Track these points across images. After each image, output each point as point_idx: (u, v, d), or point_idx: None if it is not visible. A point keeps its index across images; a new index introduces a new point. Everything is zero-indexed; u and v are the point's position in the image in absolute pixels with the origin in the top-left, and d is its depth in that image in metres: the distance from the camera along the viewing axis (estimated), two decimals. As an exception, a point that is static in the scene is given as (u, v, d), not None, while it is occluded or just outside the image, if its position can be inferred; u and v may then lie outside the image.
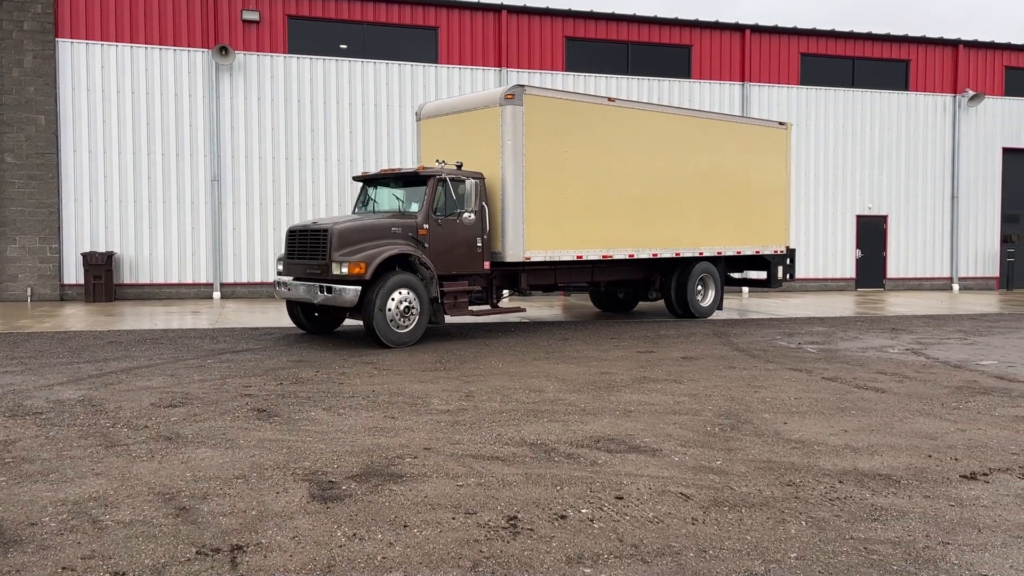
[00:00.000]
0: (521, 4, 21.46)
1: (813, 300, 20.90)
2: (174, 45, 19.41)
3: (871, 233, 24.86)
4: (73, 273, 18.91)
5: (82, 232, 18.96)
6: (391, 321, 11.31)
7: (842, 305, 19.52)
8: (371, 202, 13.05)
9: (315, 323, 12.97)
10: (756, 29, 23.48)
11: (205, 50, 19.54)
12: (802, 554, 3.97)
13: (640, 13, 22.55)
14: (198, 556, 3.88)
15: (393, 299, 11.28)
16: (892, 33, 24.68)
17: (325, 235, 11.36)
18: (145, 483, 4.98)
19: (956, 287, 25.62)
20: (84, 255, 18.43)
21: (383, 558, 3.88)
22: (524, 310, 14.44)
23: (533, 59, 21.70)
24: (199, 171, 19.64)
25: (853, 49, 24.55)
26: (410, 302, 11.45)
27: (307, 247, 11.76)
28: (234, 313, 16.19)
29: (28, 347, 11.16)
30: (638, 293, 16.53)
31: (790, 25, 23.96)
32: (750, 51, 23.40)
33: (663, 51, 22.96)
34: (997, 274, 26.19)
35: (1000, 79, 25.84)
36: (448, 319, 12.76)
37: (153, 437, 6.12)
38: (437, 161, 12.61)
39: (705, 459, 5.62)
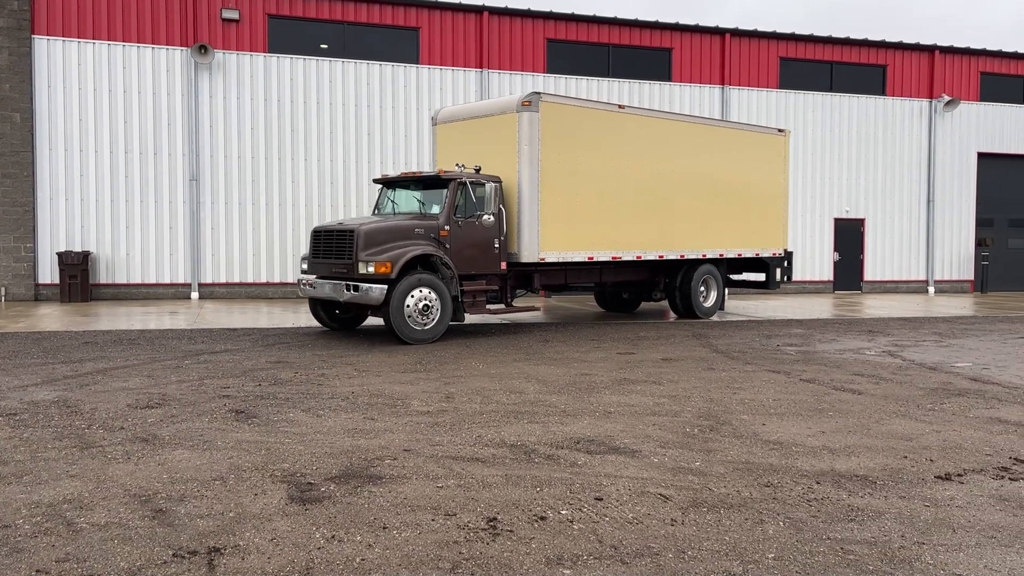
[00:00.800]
0: (503, 6, 21.48)
1: (791, 302, 21.06)
2: (152, 43, 19.25)
3: (849, 236, 25.11)
4: (48, 273, 18.69)
5: (57, 231, 18.74)
6: (410, 318, 11.72)
7: (820, 307, 19.69)
8: (390, 204, 13.52)
9: (337, 320, 13.42)
10: (736, 33, 23.64)
11: (184, 48, 19.38)
12: (780, 554, 3.99)
13: (621, 16, 22.65)
14: (175, 559, 3.84)
15: (411, 298, 11.69)
16: (870, 38, 24.95)
17: (351, 235, 11.80)
18: (121, 485, 4.92)
19: (932, 290, 25.92)
20: (59, 254, 18.22)
21: (362, 560, 3.87)
22: (538, 309, 15.19)
23: (515, 61, 21.72)
24: (177, 170, 19.48)
25: (831, 54, 24.79)
26: (429, 300, 11.86)
27: (332, 247, 12.22)
28: (212, 314, 16.07)
29: (1, 348, 11.00)
30: (642, 294, 17.02)
31: (769, 29, 24.16)
32: (730, 55, 23.56)
33: (644, 54, 23.06)
34: (972, 277, 26.53)
35: (975, 85, 26.19)
36: (468, 317, 13.21)
37: (129, 438, 6.06)
38: (457, 165, 13.07)
39: (684, 460, 5.64)
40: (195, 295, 19.53)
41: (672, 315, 17.29)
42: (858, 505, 4.73)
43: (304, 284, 12.64)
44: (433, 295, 11.87)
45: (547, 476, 5.21)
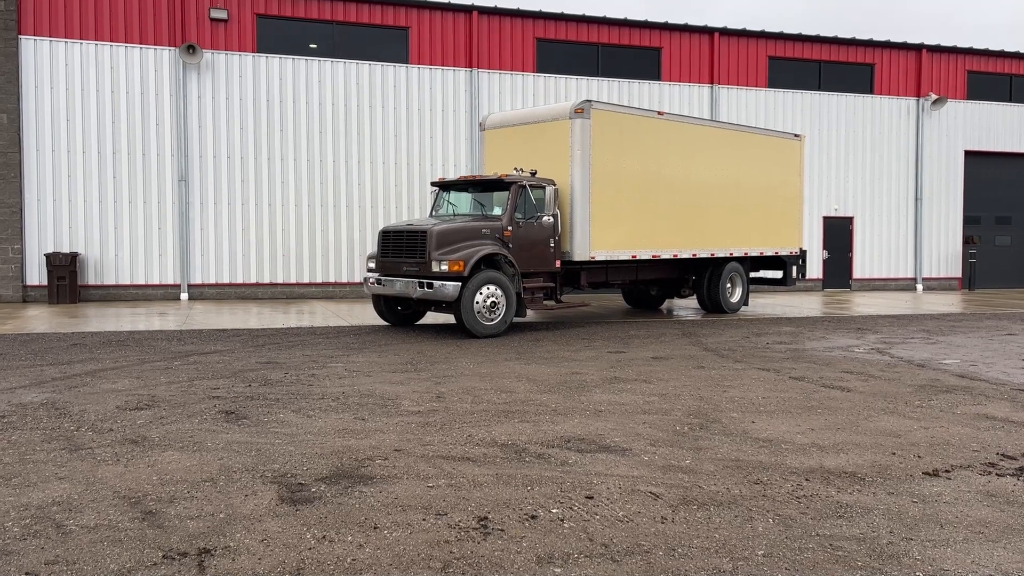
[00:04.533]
0: (492, 5, 21.47)
1: (781, 300, 21.13)
2: (140, 43, 19.16)
3: (838, 234, 25.22)
4: (36, 274, 18.58)
5: (45, 232, 18.64)
6: (479, 314, 12.36)
7: (809, 305, 19.77)
8: (447, 205, 14.13)
9: (398, 316, 14.09)
10: (725, 32, 23.70)
11: (172, 48, 19.30)
12: (769, 551, 4.01)
13: (610, 15, 22.66)
14: (165, 560, 3.83)
15: (480, 295, 12.33)
16: (857, 37, 25.05)
17: (424, 236, 12.39)
18: (110, 487, 4.90)
19: (920, 288, 26.06)
20: (47, 256, 18.12)
21: (353, 560, 3.86)
22: (588, 305, 16.21)
23: (504, 60, 21.72)
24: (166, 171, 19.40)
25: (819, 52, 24.88)
26: (496, 298, 12.53)
27: (403, 247, 12.80)
28: (202, 314, 16.01)
29: (-11, 349, 10.94)
30: (670, 291, 17.62)
31: (758, 28, 24.23)
32: (719, 54, 23.62)
33: (633, 53, 23.09)
34: (959, 275, 26.68)
35: (962, 83, 26.34)
36: (528, 313, 13.86)
37: (119, 440, 6.03)
38: (515, 169, 13.75)
39: (674, 458, 5.66)
40: (184, 296, 19.45)
41: (664, 311, 17.38)
42: (847, 502, 4.76)
43: (371, 282, 13.22)
44: (499, 292, 12.52)
45: (538, 475, 5.22)
